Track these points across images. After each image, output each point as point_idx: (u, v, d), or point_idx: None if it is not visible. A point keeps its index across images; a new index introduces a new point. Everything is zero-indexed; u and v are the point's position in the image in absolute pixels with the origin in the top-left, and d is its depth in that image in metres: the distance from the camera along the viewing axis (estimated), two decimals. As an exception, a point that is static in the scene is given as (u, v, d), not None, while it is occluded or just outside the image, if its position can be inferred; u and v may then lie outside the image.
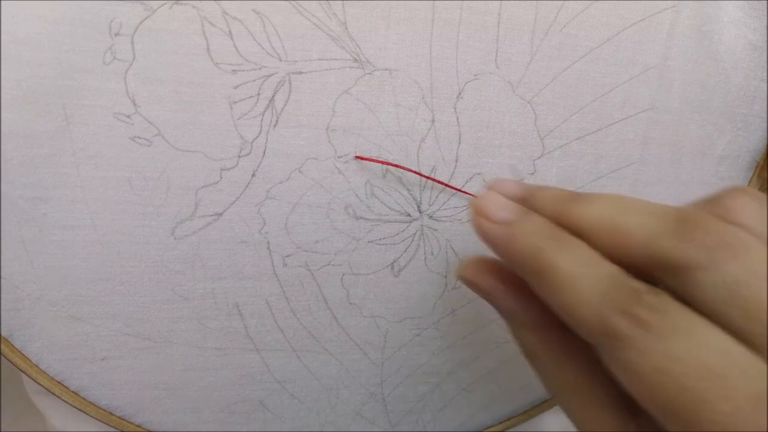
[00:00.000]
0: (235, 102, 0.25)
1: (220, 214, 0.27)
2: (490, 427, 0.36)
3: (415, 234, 0.29)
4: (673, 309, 0.17)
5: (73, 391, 0.28)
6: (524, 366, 0.34)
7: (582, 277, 0.18)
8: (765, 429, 0.15)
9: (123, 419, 0.29)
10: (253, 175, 0.27)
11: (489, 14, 0.26)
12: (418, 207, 0.29)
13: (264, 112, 0.26)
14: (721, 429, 0.15)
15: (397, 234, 0.29)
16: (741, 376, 0.16)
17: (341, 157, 0.27)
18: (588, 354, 0.20)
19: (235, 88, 0.25)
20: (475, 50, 0.27)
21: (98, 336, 0.28)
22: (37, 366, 0.27)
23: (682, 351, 0.16)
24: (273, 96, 0.26)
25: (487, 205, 0.21)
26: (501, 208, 0.21)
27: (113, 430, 0.30)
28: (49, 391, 0.28)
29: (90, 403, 0.29)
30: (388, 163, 0.27)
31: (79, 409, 0.28)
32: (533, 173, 0.29)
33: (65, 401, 0.28)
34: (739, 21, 0.30)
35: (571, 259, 0.19)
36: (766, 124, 0.32)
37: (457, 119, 0.28)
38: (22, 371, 0.27)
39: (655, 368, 0.16)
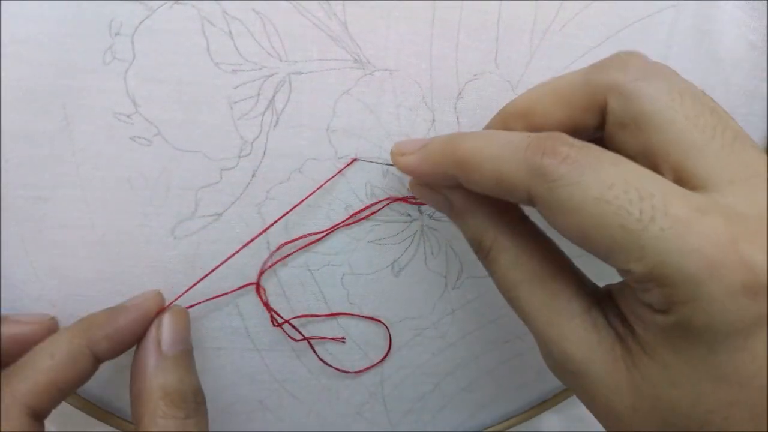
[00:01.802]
0: (236, 102, 0.25)
1: (220, 215, 0.27)
2: (489, 426, 0.36)
3: (415, 234, 0.29)
4: (591, 145, 0.18)
5: (75, 393, 0.28)
6: (524, 366, 0.34)
7: (500, 143, 0.20)
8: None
9: (123, 419, 0.29)
10: (254, 175, 0.27)
11: (489, 14, 0.26)
12: (419, 207, 0.29)
13: (264, 112, 0.26)
14: (663, 244, 0.16)
15: (398, 234, 0.29)
16: (671, 193, 0.17)
17: (342, 157, 0.27)
18: (545, 244, 0.22)
19: (235, 88, 0.25)
20: (475, 50, 0.27)
21: (98, 336, 0.28)
22: (36, 366, 0.27)
23: (613, 177, 0.17)
24: (273, 96, 0.26)
25: (403, 145, 0.25)
26: (413, 143, 0.24)
27: (113, 430, 0.30)
28: (49, 391, 0.28)
29: (90, 403, 0.29)
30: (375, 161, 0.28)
31: (79, 409, 0.28)
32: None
33: (65, 401, 0.28)
34: (739, 21, 0.30)
35: (483, 136, 0.21)
36: (766, 124, 0.32)
37: (457, 119, 0.28)
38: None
39: (595, 198, 0.17)
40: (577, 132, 0.21)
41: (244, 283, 0.28)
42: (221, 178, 0.26)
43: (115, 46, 0.24)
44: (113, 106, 0.24)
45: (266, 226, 0.27)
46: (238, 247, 0.27)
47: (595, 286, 0.22)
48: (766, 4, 0.30)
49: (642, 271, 0.17)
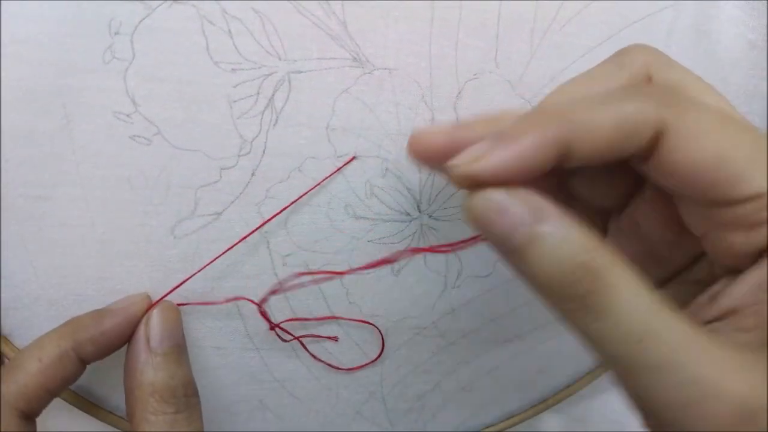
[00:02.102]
0: (235, 101, 0.25)
1: (220, 214, 0.27)
2: (489, 426, 0.36)
3: (414, 233, 0.29)
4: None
5: (72, 390, 0.28)
6: (524, 366, 0.34)
7: (602, 94, 0.19)
8: None
9: (122, 418, 0.29)
10: (253, 174, 0.27)
11: (488, 12, 0.27)
12: (418, 206, 0.29)
13: (264, 111, 0.26)
14: None
15: (397, 233, 0.29)
16: None
17: (341, 156, 0.27)
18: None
19: (235, 87, 0.25)
20: (475, 49, 0.27)
21: (98, 335, 0.28)
22: (36, 365, 0.27)
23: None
24: (272, 95, 0.26)
25: (471, 152, 0.18)
26: (476, 149, 0.18)
27: (112, 429, 0.30)
28: (49, 390, 0.28)
29: (89, 402, 0.29)
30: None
31: (78, 408, 0.28)
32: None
33: (64, 400, 0.28)
34: (738, 20, 0.30)
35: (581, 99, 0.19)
36: (765, 123, 0.32)
37: (457, 118, 0.28)
38: (22, 370, 0.27)
39: (723, 118, 0.18)
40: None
41: (242, 297, 0.28)
42: (221, 177, 0.26)
43: (114, 46, 0.24)
44: (113, 105, 0.24)
45: (263, 223, 0.27)
46: (234, 245, 0.27)
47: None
48: (765, 4, 0.30)
49: None
